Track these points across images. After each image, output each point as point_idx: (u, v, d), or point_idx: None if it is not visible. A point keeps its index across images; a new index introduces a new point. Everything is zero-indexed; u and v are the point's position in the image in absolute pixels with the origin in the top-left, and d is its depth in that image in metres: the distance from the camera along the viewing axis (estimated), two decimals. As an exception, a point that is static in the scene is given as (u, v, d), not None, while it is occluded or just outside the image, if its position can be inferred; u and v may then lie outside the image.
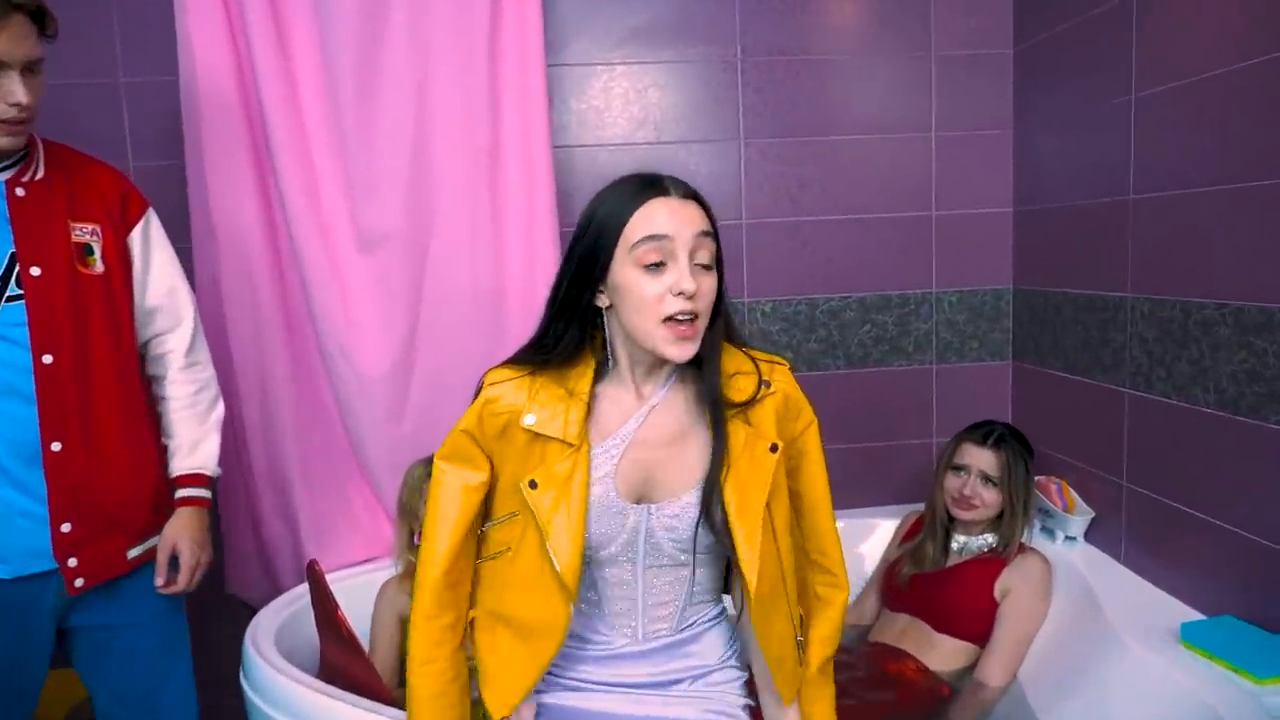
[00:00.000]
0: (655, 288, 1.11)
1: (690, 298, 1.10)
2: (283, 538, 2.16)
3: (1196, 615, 1.69)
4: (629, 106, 2.29)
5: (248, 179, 2.06)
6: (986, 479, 1.94)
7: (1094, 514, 2.05)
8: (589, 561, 1.19)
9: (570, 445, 1.15)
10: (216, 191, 2.04)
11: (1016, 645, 1.87)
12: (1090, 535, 2.07)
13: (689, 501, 1.18)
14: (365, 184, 2.08)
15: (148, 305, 1.57)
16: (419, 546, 2.02)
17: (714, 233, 1.16)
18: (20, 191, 1.40)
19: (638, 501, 1.18)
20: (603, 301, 1.18)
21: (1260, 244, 1.53)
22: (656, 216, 1.12)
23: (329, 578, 2.09)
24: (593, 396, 1.20)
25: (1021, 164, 2.34)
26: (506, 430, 1.20)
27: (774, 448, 1.18)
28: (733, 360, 1.22)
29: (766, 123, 2.30)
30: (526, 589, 1.19)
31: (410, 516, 2.01)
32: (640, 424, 1.20)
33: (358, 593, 2.02)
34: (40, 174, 1.44)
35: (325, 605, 1.68)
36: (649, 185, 1.15)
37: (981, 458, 1.95)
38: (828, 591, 1.29)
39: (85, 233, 1.45)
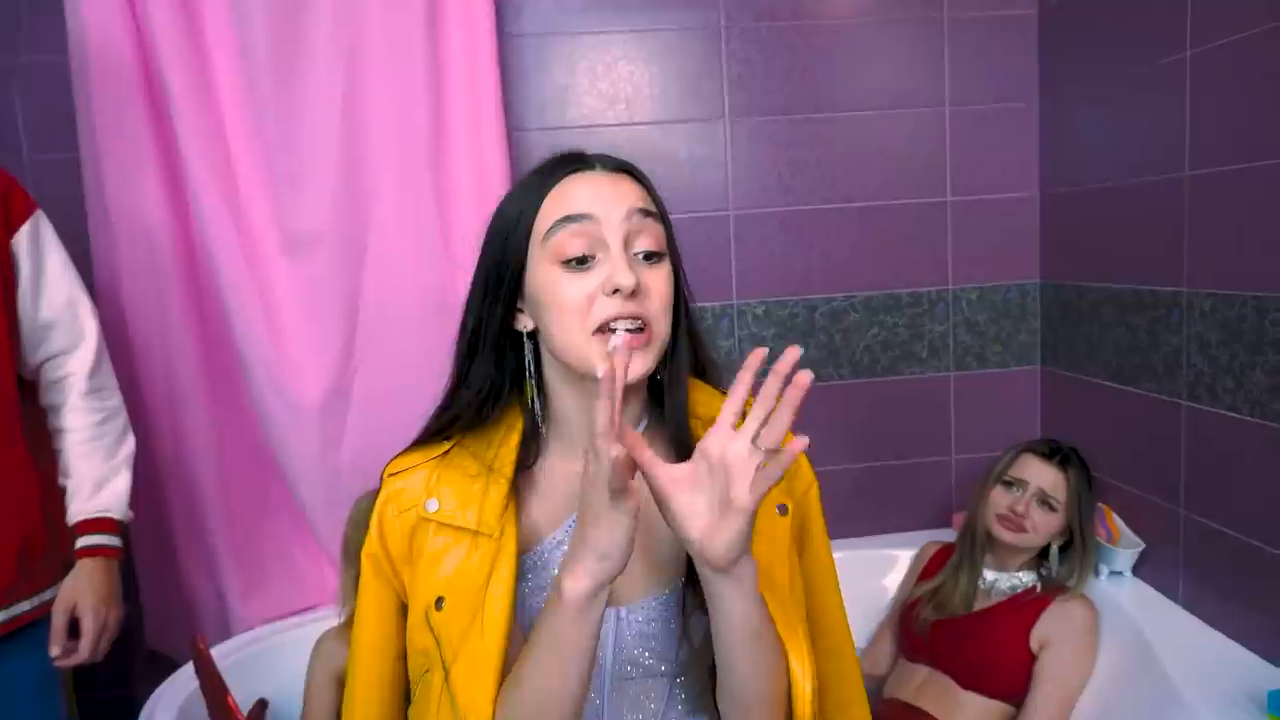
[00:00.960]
0: (580, 287, 0.81)
1: (632, 295, 0.80)
2: (205, 587, 1.87)
3: (1276, 672, 1.40)
4: (597, 82, 1.99)
5: (151, 173, 1.77)
6: (1045, 500, 1.66)
7: (1143, 545, 1.75)
8: None
9: (488, 537, 0.84)
10: (115, 187, 1.75)
11: (1059, 707, 1.58)
12: (1139, 570, 1.78)
13: (671, 596, 0.87)
14: (290, 177, 1.79)
15: (40, 320, 1.36)
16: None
17: (659, 213, 0.86)
18: None
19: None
20: (523, 324, 0.88)
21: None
22: (573, 194, 0.83)
23: (261, 630, 1.82)
24: (527, 473, 0.89)
25: (1049, 141, 2.04)
26: (414, 536, 0.88)
27: (782, 509, 0.88)
28: (711, 401, 0.91)
29: (755, 99, 2.01)
30: None
31: (353, 556, 1.73)
32: None
33: (296, 648, 1.74)
34: None
35: (214, 690, 1.40)
36: (565, 161, 0.87)
37: (1044, 474, 1.68)
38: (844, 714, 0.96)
39: None
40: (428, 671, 0.85)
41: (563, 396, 0.88)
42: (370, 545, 0.90)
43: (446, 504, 0.86)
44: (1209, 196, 1.53)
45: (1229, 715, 1.34)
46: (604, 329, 0.81)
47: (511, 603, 0.82)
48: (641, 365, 0.82)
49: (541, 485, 0.90)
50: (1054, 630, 1.60)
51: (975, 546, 1.72)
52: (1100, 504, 1.83)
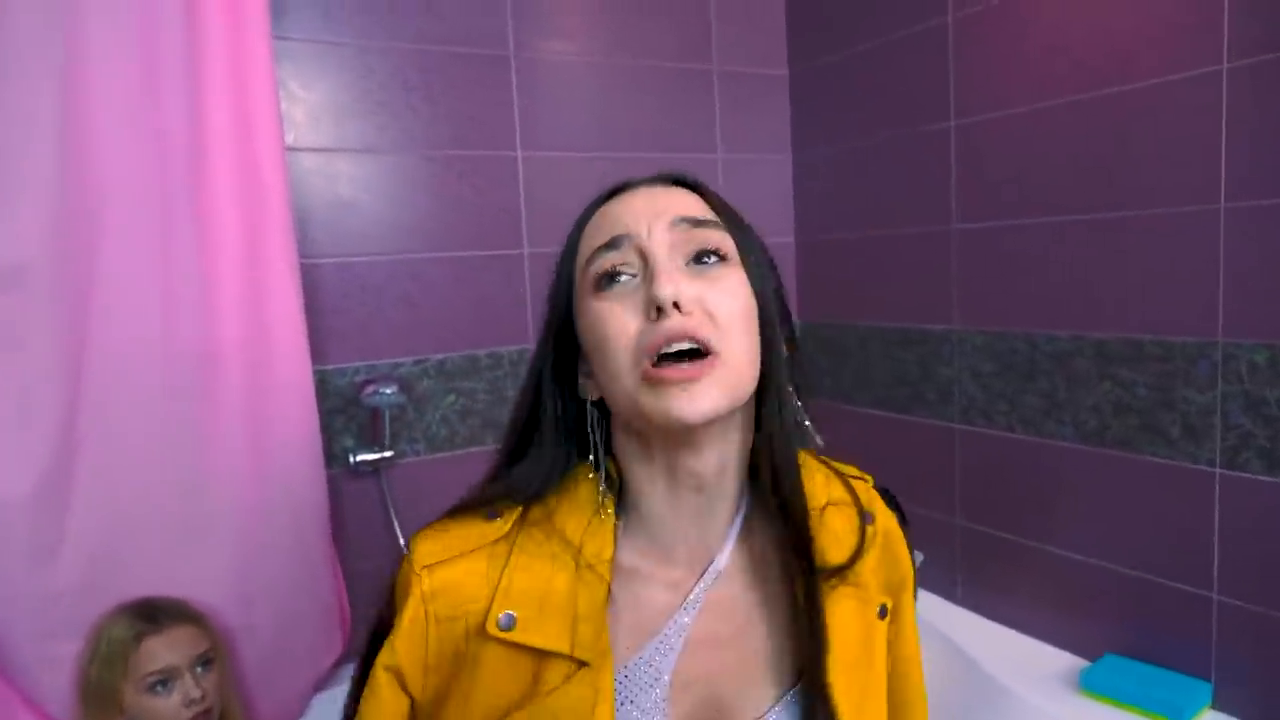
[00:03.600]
0: (619, 316, 0.66)
1: (679, 308, 0.64)
2: None
3: (1069, 656, 1.65)
4: (377, 103, 1.75)
5: None
6: None
7: (923, 557, 1.96)
8: None
9: (582, 665, 0.66)
10: None
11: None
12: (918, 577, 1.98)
13: (778, 715, 0.72)
14: (-22, 191, 1.30)
15: None
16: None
17: (718, 220, 0.71)
18: None
19: None
20: (590, 392, 0.72)
21: (1113, 275, 1.52)
22: (613, 216, 0.70)
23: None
24: (616, 571, 0.71)
25: (802, 191, 2.23)
26: (461, 649, 0.68)
27: (883, 611, 0.77)
28: (815, 478, 0.77)
29: (545, 134, 1.91)
30: None
31: (105, 704, 1.29)
32: (698, 610, 0.71)
33: None
34: None
35: None
36: (611, 190, 0.74)
37: None
38: None
39: None
40: None
41: (639, 477, 0.71)
42: (391, 658, 0.68)
43: (528, 620, 0.67)
44: (975, 247, 1.77)
45: (1049, 696, 1.54)
46: (659, 363, 0.64)
47: None
48: (707, 402, 0.63)
49: (623, 588, 0.71)
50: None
51: None
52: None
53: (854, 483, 0.80)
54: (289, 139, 1.65)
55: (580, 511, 0.71)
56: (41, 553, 1.35)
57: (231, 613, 1.48)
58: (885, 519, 0.81)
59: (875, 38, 1.94)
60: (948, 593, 1.91)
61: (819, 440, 0.76)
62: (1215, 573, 1.42)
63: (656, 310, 0.64)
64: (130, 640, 1.30)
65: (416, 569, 0.69)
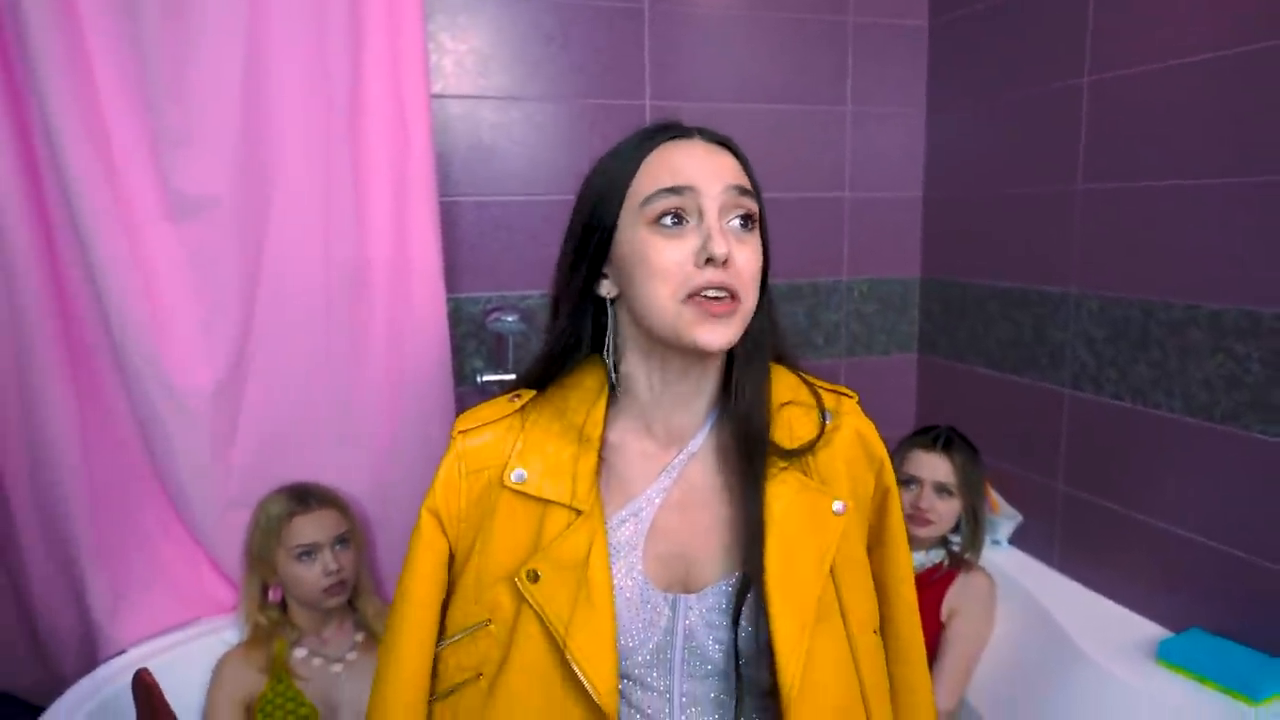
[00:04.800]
0: (673, 253, 0.81)
1: (723, 265, 0.80)
2: (63, 605, 1.60)
3: (1155, 627, 1.63)
4: (517, 54, 1.89)
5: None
6: (942, 489, 1.77)
7: (1021, 517, 1.96)
8: None
9: (577, 512, 0.84)
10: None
11: (962, 670, 1.72)
12: (1015, 539, 1.99)
13: (727, 585, 0.86)
14: (178, 130, 1.55)
15: None
16: (279, 606, 1.58)
17: (754, 190, 0.86)
18: None
19: (668, 589, 0.86)
20: (607, 290, 0.88)
21: (1238, 244, 1.45)
22: (674, 161, 0.83)
23: (136, 651, 1.59)
24: (605, 442, 0.88)
25: (933, 147, 2.20)
26: (484, 496, 0.87)
27: (839, 508, 0.88)
28: (783, 384, 0.91)
29: (675, 84, 2.00)
30: None
31: (263, 565, 1.55)
32: (674, 479, 0.88)
33: (175, 669, 1.53)
34: None
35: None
36: (663, 129, 0.86)
37: (935, 466, 1.78)
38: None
39: None
40: (489, 624, 0.85)
41: (636, 367, 0.89)
42: (432, 501, 0.89)
43: (538, 478, 0.85)
44: (1098, 209, 1.72)
45: (1125, 664, 1.54)
46: (694, 296, 0.80)
47: (610, 575, 0.83)
48: (726, 333, 0.81)
49: (615, 455, 0.89)
50: (960, 601, 1.75)
51: None
52: (980, 480, 2.03)
53: (823, 391, 0.92)
54: (437, 87, 1.83)
55: (582, 396, 0.88)
56: (222, 436, 1.63)
57: (369, 503, 1.72)
58: (857, 425, 0.92)
59: (1019, -13, 1.88)
60: (1044, 555, 1.91)
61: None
62: (1316, 558, 1.37)
63: (707, 260, 0.79)
64: (284, 516, 1.55)
65: (454, 434, 0.89)
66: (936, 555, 1.82)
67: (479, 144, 1.90)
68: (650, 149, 0.84)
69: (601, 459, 0.87)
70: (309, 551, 1.54)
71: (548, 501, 0.84)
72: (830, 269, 2.19)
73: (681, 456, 0.89)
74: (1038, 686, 1.67)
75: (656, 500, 0.87)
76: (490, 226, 1.93)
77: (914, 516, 1.75)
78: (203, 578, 1.71)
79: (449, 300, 1.77)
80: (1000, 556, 1.94)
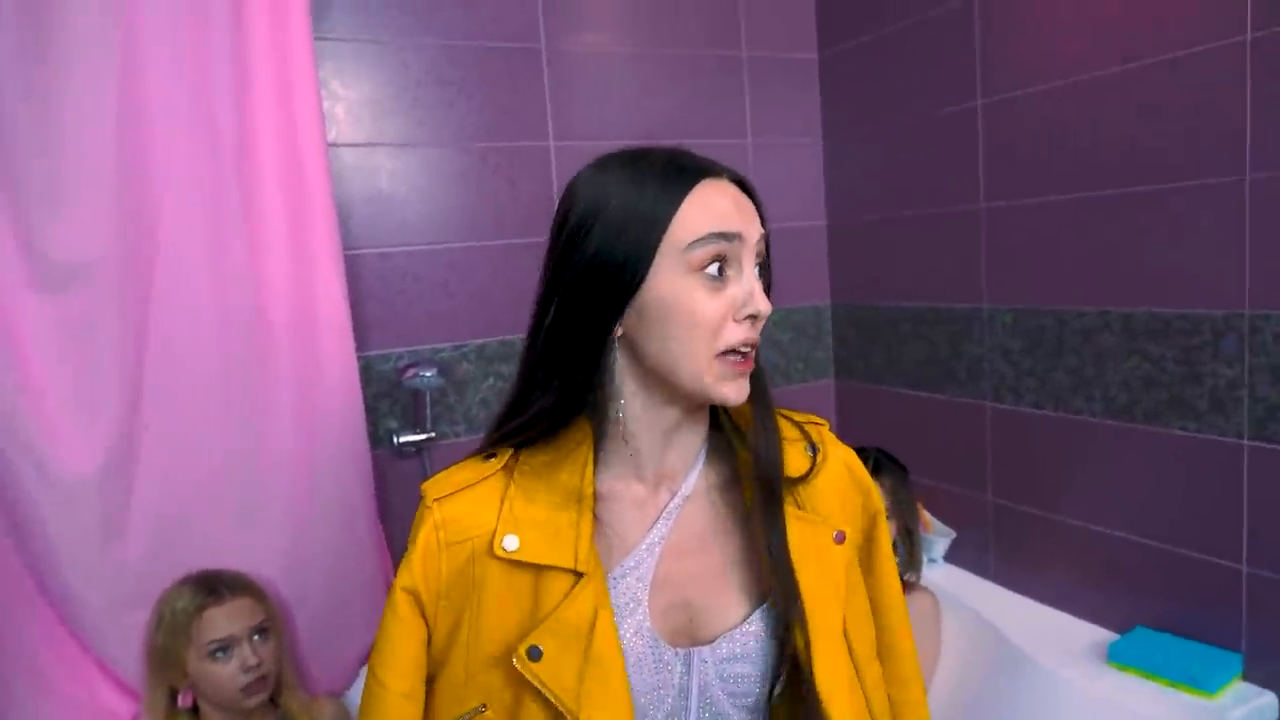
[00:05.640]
0: (717, 305, 0.76)
1: (756, 321, 0.78)
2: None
3: (1100, 630, 1.65)
4: (417, 97, 1.82)
5: None
6: None
7: (954, 534, 1.98)
8: None
9: (578, 575, 0.76)
10: None
11: (919, 690, 1.72)
12: (951, 556, 2.00)
13: (753, 631, 0.81)
14: (46, 191, 1.39)
15: None
16: (190, 712, 1.41)
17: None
18: None
19: (676, 643, 0.80)
20: (616, 330, 0.79)
21: (1143, 249, 1.52)
22: (720, 205, 0.76)
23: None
24: (597, 495, 0.81)
25: (833, 175, 2.24)
26: (467, 570, 0.78)
27: (839, 537, 0.85)
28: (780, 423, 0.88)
29: (578, 124, 1.96)
30: None
31: (170, 668, 1.39)
32: (671, 525, 0.83)
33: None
34: None
35: None
36: (686, 163, 0.78)
37: None
38: None
39: None
40: (484, 709, 0.77)
41: (635, 411, 0.81)
42: (409, 578, 0.79)
43: (532, 543, 0.76)
44: (1003, 225, 1.77)
45: (1078, 669, 1.55)
46: (725, 353, 0.77)
47: (618, 641, 0.77)
48: (746, 388, 0.79)
49: (606, 508, 0.81)
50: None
51: None
52: (910, 500, 2.04)
53: (805, 425, 0.90)
54: (331, 135, 1.73)
55: (569, 449, 0.80)
56: (111, 527, 1.46)
57: (284, 585, 1.57)
58: (841, 454, 0.91)
59: (904, 18, 1.95)
60: (979, 568, 1.93)
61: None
62: (1245, 544, 1.42)
63: (748, 317, 0.76)
64: (193, 610, 1.39)
65: (429, 502, 0.80)
66: (880, 579, 1.80)
67: (378, 193, 1.80)
68: (687, 187, 0.76)
69: (595, 517, 0.79)
70: (224, 647, 1.39)
71: (543, 568, 0.76)
72: (744, 301, 2.18)
73: (676, 500, 0.84)
74: (992, 700, 1.66)
75: (655, 550, 0.81)
76: (396, 278, 1.82)
77: None
78: (96, 689, 1.51)
79: (358, 358, 1.65)
80: (937, 574, 1.95)
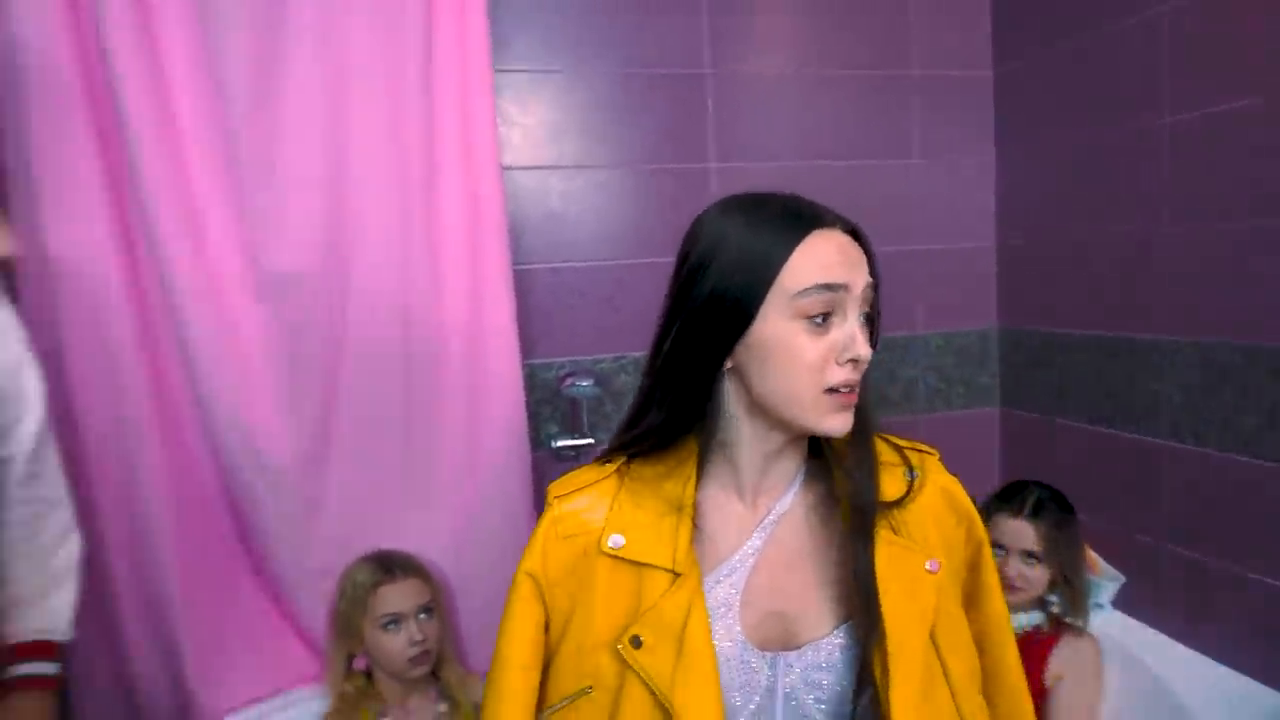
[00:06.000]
0: (819, 349, 0.81)
1: (859, 364, 0.83)
2: (157, 674, 1.63)
3: (1271, 691, 1.51)
4: (586, 122, 1.94)
5: (97, 203, 1.53)
6: (1029, 555, 1.69)
7: (1124, 579, 1.86)
8: None
9: (675, 575, 0.83)
10: (53, 216, 1.51)
11: (1074, 737, 1.64)
12: (1119, 602, 1.88)
13: (839, 643, 0.85)
14: (268, 215, 1.62)
15: None
16: (365, 676, 1.58)
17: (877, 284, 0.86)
18: None
19: (765, 648, 0.85)
20: (726, 363, 0.86)
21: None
22: (828, 257, 0.81)
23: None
24: (697, 506, 0.87)
25: (1005, 195, 2.17)
26: (580, 563, 0.87)
27: (933, 567, 0.87)
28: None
29: (739, 146, 2.01)
30: None
31: (349, 635, 1.56)
32: (765, 539, 0.88)
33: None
34: None
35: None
36: (802, 212, 0.84)
37: (1021, 533, 1.69)
38: None
39: None
40: (591, 690, 0.85)
41: (740, 435, 0.88)
42: (530, 563, 0.89)
43: (636, 543, 0.85)
44: (1185, 252, 1.66)
45: (1250, 736, 1.43)
46: (829, 391, 0.81)
47: (710, 637, 0.83)
48: (850, 420, 0.84)
49: (705, 518, 0.88)
50: (1066, 666, 1.66)
51: None
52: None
53: (908, 451, 0.92)
54: (507, 159, 1.88)
55: (674, 464, 0.87)
56: (311, 504, 1.66)
57: (449, 570, 1.72)
58: (943, 482, 0.92)
59: (1087, 32, 1.85)
60: (1150, 618, 1.80)
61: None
62: None
63: (850, 360, 0.82)
64: (370, 585, 1.56)
65: (550, 499, 0.90)
66: (1036, 618, 1.73)
67: (550, 212, 1.94)
68: (799, 237, 0.81)
69: (694, 523, 0.86)
70: (394, 621, 1.55)
71: (645, 566, 0.84)
72: (904, 324, 2.16)
73: (772, 516, 0.89)
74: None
75: (750, 560, 0.87)
76: (563, 293, 1.95)
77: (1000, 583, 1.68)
78: (291, 647, 1.73)
79: (524, 366, 1.79)
80: (1104, 620, 1.84)
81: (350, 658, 1.59)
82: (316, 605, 1.65)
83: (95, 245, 1.52)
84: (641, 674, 0.81)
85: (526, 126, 1.92)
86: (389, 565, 1.60)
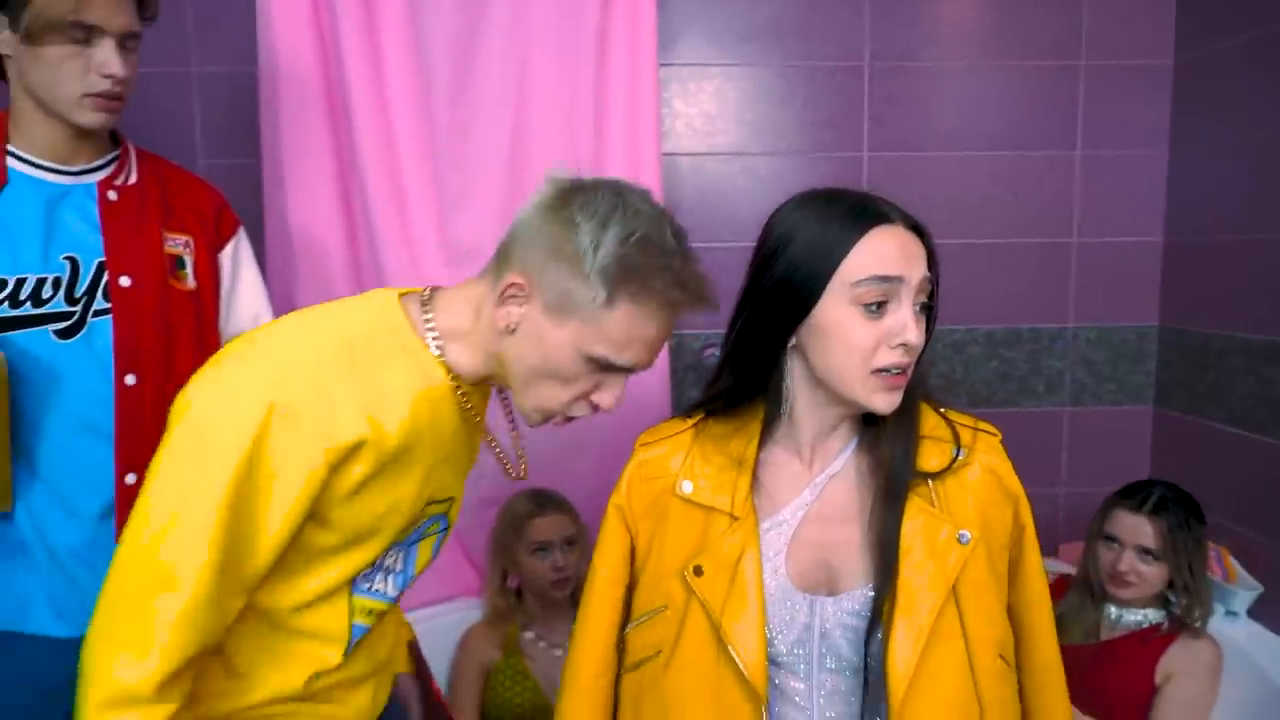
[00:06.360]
0: (872, 334, 0.93)
1: (910, 349, 0.93)
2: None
3: None
4: (743, 113, 2.08)
5: (328, 182, 1.88)
6: (1144, 552, 1.69)
7: (1262, 588, 1.81)
8: None
9: (735, 519, 0.98)
10: (295, 194, 1.86)
11: (1180, 735, 1.65)
12: (1255, 611, 1.84)
13: (870, 595, 0.97)
14: (457, 191, 1.89)
15: (231, 330, 1.41)
16: (515, 593, 1.85)
17: (937, 277, 0.97)
18: (113, 195, 1.26)
19: (809, 591, 0.99)
20: (791, 342, 0.99)
21: None
22: (887, 251, 0.93)
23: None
24: (759, 461, 1.01)
25: (1176, 190, 2.10)
26: (659, 501, 1.03)
27: (964, 538, 0.96)
28: (925, 421, 1.02)
29: (893, 135, 2.09)
30: (698, 698, 0.98)
31: (505, 557, 1.83)
32: (815, 496, 1.01)
33: (434, 636, 1.84)
34: (133, 178, 1.30)
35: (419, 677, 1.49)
36: (868, 208, 0.95)
37: (1138, 529, 1.70)
38: None
39: (178, 244, 1.31)
40: (666, 609, 1.01)
41: (802, 404, 1.00)
42: (618, 498, 1.07)
43: (703, 489, 1.00)
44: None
45: (1364, 759, 1.41)
46: (878, 371, 0.93)
47: (762, 573, 0.96)
48: (897, 399, 0.95)
49: (764, 474, 1.02)
50: (1179, 664, 1.66)
51: (1093, 590, 1.78)
52: (1214, 545, 1.89)
53: (962, 429, 1.00)
54: (668, 146, 2.05)
55: (741, 425, 1.02)
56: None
57: (589, 511, 1.95)
58: (995, 464, 1.00)
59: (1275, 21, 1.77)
60: (1286, 631, 1.76)
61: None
62: None
63: (900, 345, 0.92)
64: (525, 516, 1.82)
65: (636, 447, 1.09)
66: (1154, 615, 1.74)
67: (704, 195, 2.10)
68: (861, 231, 0.92)
69: (754, 476, 1.00)
70: (542, 548, 1.80)
71: (711, 509, 1.00)
72: (1055, 315, 2.15)
73: (824, 475, 1.02)
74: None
75: (800, 513, 1.01)
76: (716, 270, 2.10)
77: (1114, 577, 1.70)
78: (457, 563, 2.03)
79: (671, 337, 1.97)
80: (1239, 629, 1.81)
81: (504, 576, 1.86)
82: (479, 530, 1.93)
83: (325, 223, 1.87)
84: (700, 598, 0.97)
85: (688, 116, 2.09)
86: (542, 501, 1.85)
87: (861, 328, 0.92)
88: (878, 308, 0.92)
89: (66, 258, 1.21)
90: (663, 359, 1.95)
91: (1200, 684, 1.66)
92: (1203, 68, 2.01)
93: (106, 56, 1.18)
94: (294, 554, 0.91)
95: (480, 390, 1.03)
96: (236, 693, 0.95)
